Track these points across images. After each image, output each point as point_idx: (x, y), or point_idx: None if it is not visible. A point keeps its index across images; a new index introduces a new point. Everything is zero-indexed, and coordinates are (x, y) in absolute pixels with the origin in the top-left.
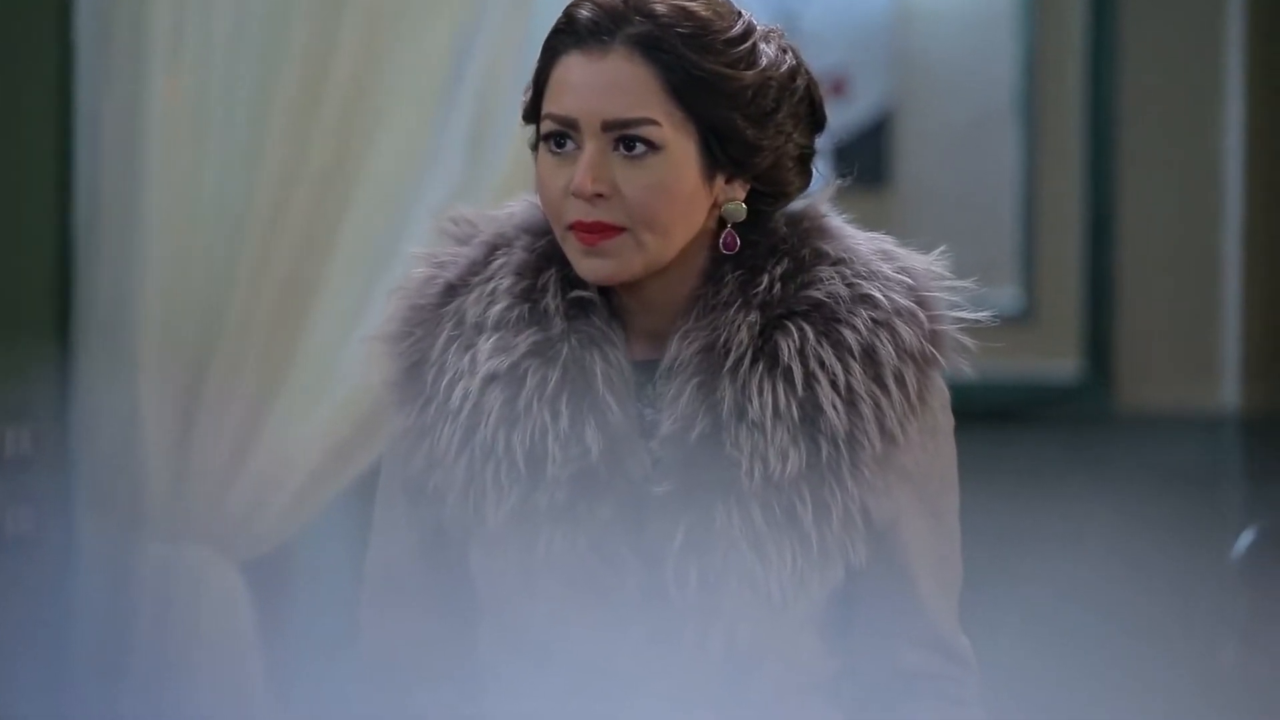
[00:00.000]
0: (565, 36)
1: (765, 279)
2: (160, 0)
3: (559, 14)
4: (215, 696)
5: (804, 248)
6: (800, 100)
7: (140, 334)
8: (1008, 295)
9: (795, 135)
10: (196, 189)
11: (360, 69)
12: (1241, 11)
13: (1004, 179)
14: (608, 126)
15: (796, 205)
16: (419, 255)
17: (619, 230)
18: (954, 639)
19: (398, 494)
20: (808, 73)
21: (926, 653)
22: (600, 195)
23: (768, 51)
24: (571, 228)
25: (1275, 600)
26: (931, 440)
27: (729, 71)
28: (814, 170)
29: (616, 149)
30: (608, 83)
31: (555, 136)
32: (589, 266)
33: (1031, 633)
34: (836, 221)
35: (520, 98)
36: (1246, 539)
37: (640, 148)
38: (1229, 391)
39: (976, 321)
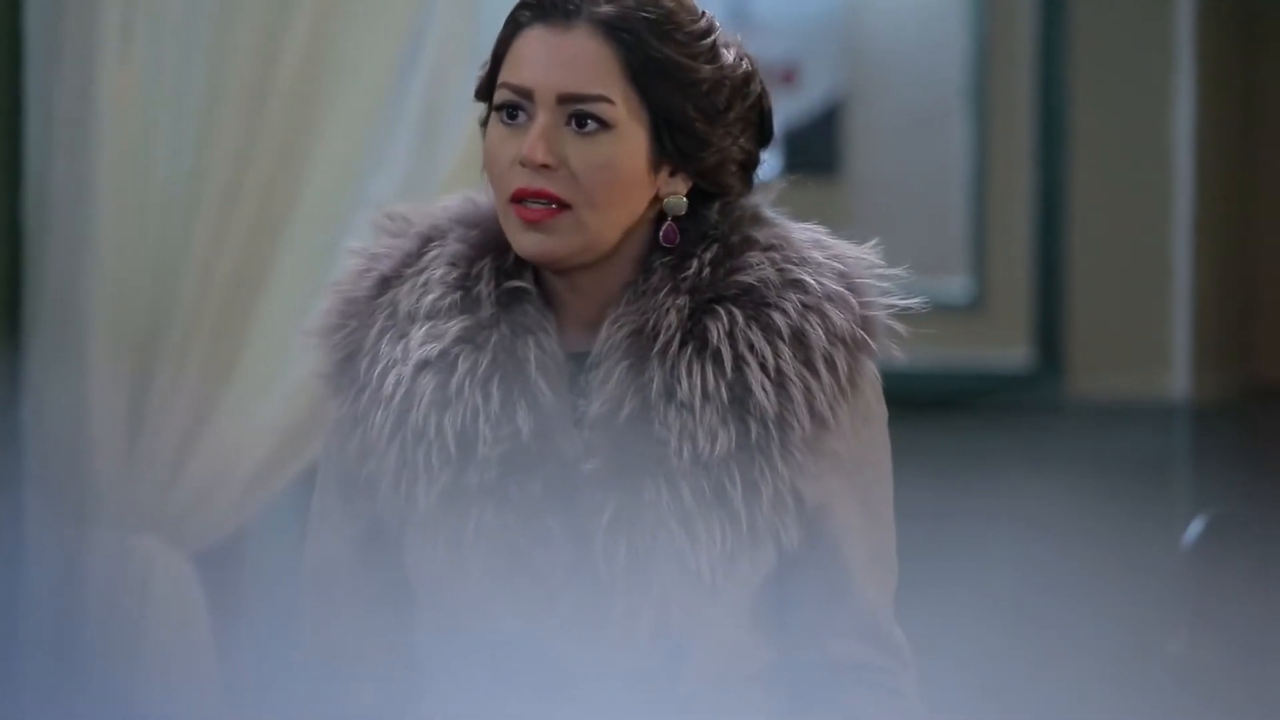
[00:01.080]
0: (530, 10)
1: (695, 263)
2: None
3: (512, 4)
4: (165, 684)
5: (735, 234)
6: (751, 107)
7: (90, 324)
8: (958, 284)
9: (742, 140)
10: (146, 179)
11: (310, 61)
12: (1190, 3)
13: (954, 169)
14: (563, 100)
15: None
16: (354, 250)
17: (561, 207)
18: (888, 630)
19: (333, 487)
20: (762, 84)
21: (859, 643)
22: (547, 167)
23: (726, 53)
24: (514, 198)
25: (1224, 588)
26: (864, 426)
27: (688, 62)
28: (754, 180)
29: (569, 124)
30: (568, 57)
31: (508, 107)
32: (527, 241)
33: (983, 620)
34: (770, 211)
35: (470, 90)
36: (1196, 527)
37: (592, 124)
38: (1178, 380)
39: (908, 308)
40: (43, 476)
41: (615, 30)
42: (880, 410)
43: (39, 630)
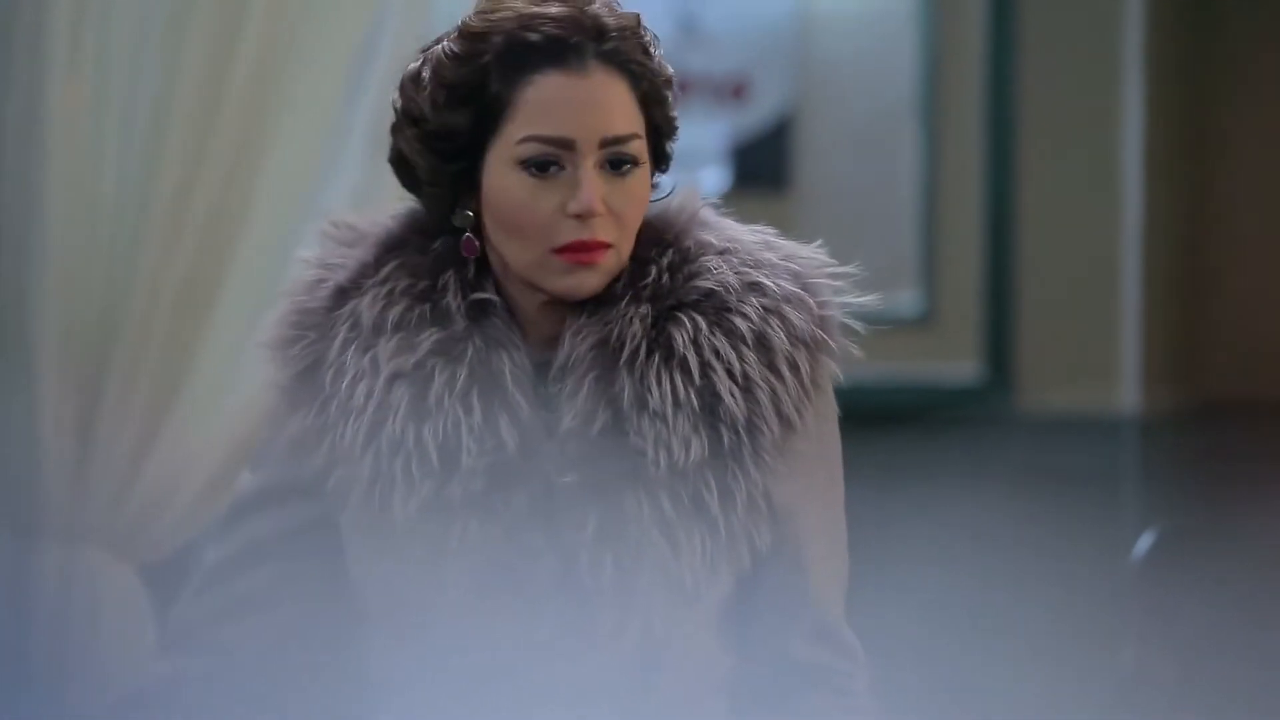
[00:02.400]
0: (534, 55)
1: (653, 270)
2: (59, 3)
3: (460, 15)
4: (113, 698)
5: (687, 239)
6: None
7: (40, 336)
8: (908, 298)
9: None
10: (96, 191)
11: (260, 72)
12: (1140, 16)
13: (904, 183)
14: (605, 144)
15: (672, 198)
16: (306, 259)
17: (609, 246)
18: (841, 631)
19: (271, 491)
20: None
21: (817, 645)
22: (596, 214)
23: None
24: (565, 250)
25: (1174, 601)
26: (826, 425)
27: (667, 74)
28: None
29: (603, 167)
30: (600, 101)
31: (538, 161)
32: (575, 282)
33: (933, 632)
34: (713, 213)
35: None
36: (1146, 541)
37: (628, 165)
38: (1128, 394)
39: (863, 306)
40: None
41: (624, 63)
42: (834, 409)
43: None
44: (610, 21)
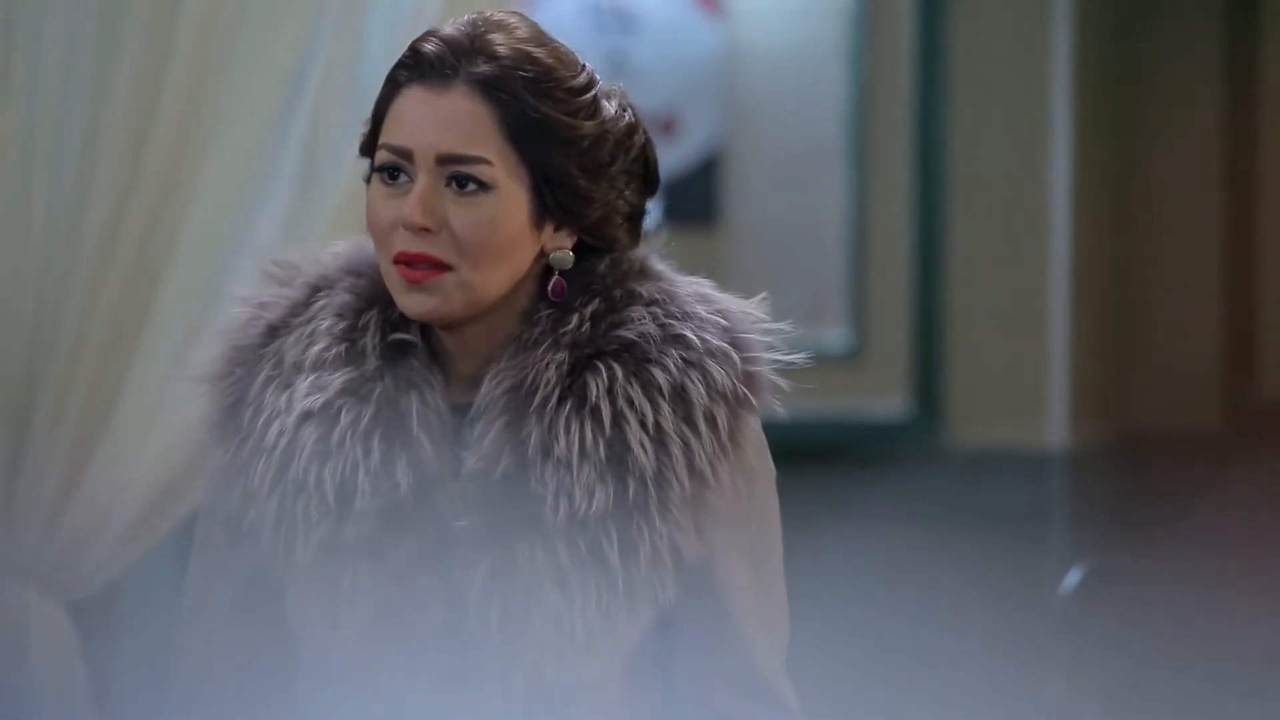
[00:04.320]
0: (409, 70)
1: (575, 318)
2: None
3: (395, 49)
4: None
5: (618, 288)
6: (635, 159)
7: None
8: (836, 334)
9: (627, 192)
10: (23, 223)
11: (190, 101)
12: (1067, 54)
13: (833, 218)
14: (441, 160)
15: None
16: (242, 297)
17: (443, 269)
18: (775, 685)
19: (216, 534)
20: (645, 133)
21: (745, 699)
22: (427, 230)
23: (608, 106)
24: (396, 260)
25: (1101, 636)
26: (746, 483)
27: (567, 119)
28: (642, 231)
29: (449, 185)
30: (445, 117)
31: (389, 168)
32: (410, 301)
33: (861, 669)
34: (658, 264)
35: (351, 130)
36: (1073, 575)
37: (471, 186)
38: (1056, 430)
39: (792, 364)
40: None
41: (493, 90)
42: (765, 467)
43: None
44: (500, 50)
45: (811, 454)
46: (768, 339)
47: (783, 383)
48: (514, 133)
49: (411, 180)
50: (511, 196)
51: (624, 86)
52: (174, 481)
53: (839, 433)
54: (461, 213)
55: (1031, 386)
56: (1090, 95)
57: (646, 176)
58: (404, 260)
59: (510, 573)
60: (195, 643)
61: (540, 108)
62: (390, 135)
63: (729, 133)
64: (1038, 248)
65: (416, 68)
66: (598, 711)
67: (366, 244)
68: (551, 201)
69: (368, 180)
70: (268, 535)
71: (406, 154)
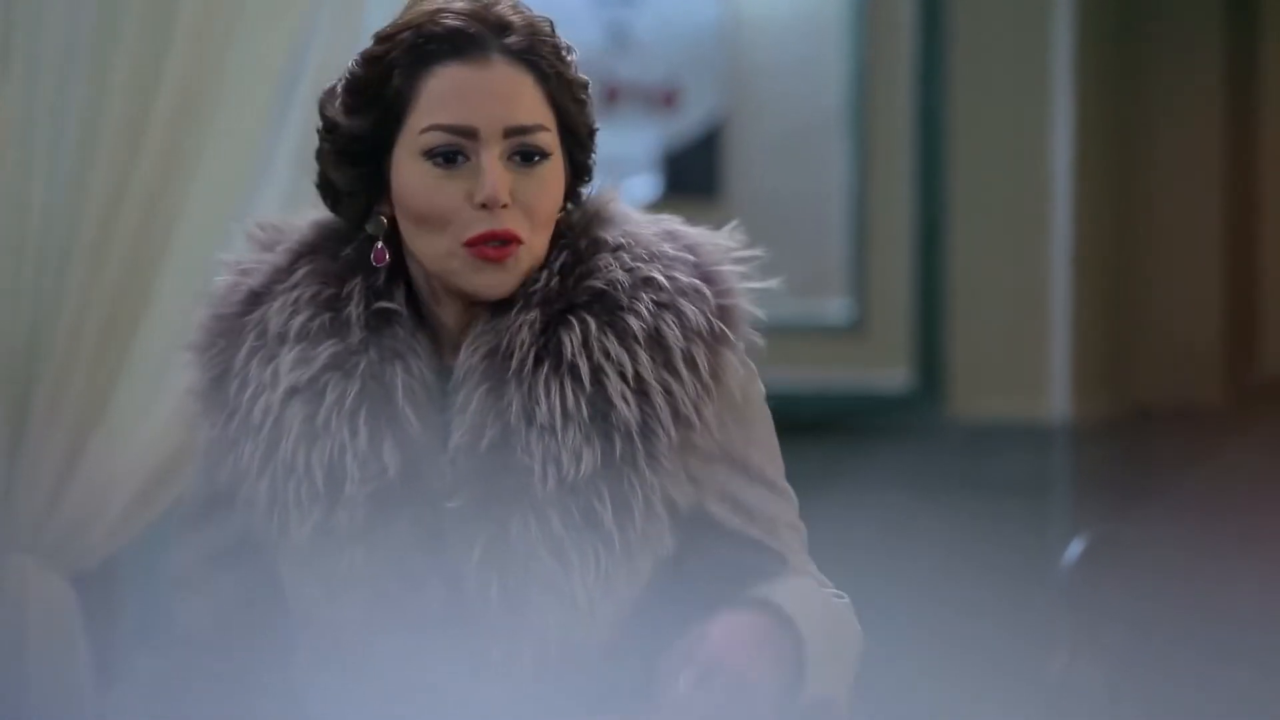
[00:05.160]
0: (435, 46)
1: (544, 274)
2: None
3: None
4: (41, 705)
5: (583, 238)
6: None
7: None
8: (837, 306)
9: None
10: (23, 206)
11: (189, 86)
12: (1069, 23)
13: (834, 190)
14: (510, 133)
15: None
16: (226, 262)
17: (519, 241)
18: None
19: (200, 502)
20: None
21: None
22: (504, 205)
23: None
24: (475, 242)
25: (1104, 608)
26: (731, 415)
27: (578, 77)
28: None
29: (511, 159)
30: (502, 90)
31: (446, 152)
32: (488, 281)
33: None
34: (621, 207)
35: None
36: (1076, 548)
37: (537, 157)
38: (1058, 402)
39: (767, 289)
40: None
41: (529, 59)
42: (753, 393)
43: None
44: (515, 18)
45: (812, 426)
46: (741, 269)
47: (759, 312)
48: (553, 97)
49: (469, 160)
50: (558, 160)
51: (624, 60)
52: (174, 458)
53: (840, 405)
54: (529, 184)
55: (1034, 359)
56: (1094, 67)
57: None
58: (492, 239)
59: (505, 548)
60: (185, 610)
61: (563, 71)
62: (442, 115)
63: (730, 105)
64: (1039, 219)
65: (449, 43)
66: (607, 667)
67: (418, 221)
68: (577, 158)
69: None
70: (261, 515)
71: (470, 132)
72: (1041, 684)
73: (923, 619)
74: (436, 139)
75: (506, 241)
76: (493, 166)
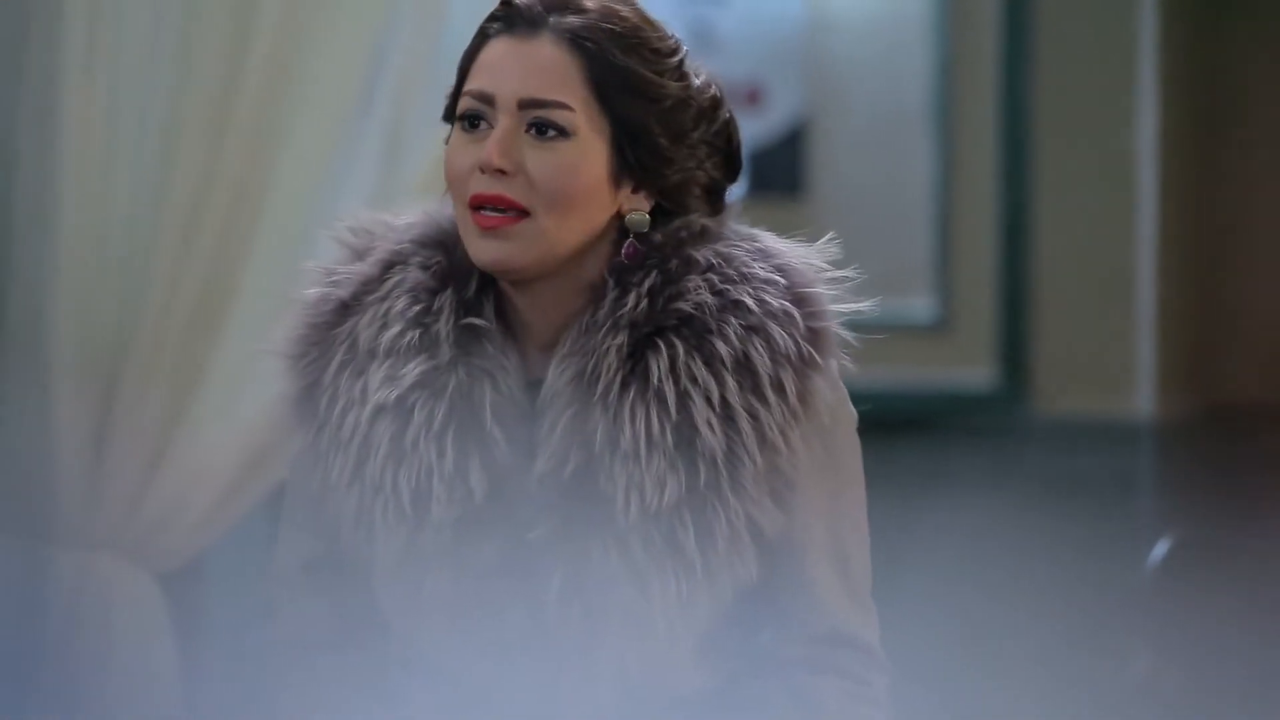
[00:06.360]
0: (497, 23)
1: (632, 296)
2: (73, 11)
3: (476, 19)
4: (129, 705)
5: (674, 258)
6: (719, 133)
7: (54, 346)
8: (922, 304)
9: (708, 164)
10: (109, 200)
11: (273, 79)
12: (1154, 19)
13: (919, 187)
14: (523, 105)
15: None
16: (315, 269)
17: (520, 215)
18: (857, 634)
19: (298, 506)
20: (731, 115)
21: (824, 646)
22: (504, 172)
23: (694, 75)
24: (472, 204)
25: (1189, 610)
26: (819, 441)
27: (651, 76)
28: (721, 207)
29: (529, 131)
30: (529, 64)
31: (469, 116)
32: (485, 248)
33: (947, 640)
34: (712, 224)
35: (435, 108)
36: (1161, 548)
37: (551, 132)
38: (1143, 400)
39: (860, 312)
40: (6, 498)
41: (579, 40)
42: (843, 415)
43: (2, 651)
44: (589, 4)
45: (897, 425)
46: (833, 291)
47: (850, 337)
48: (598, 84)
49: (491, 127)
50: (591, 146)
51: (706, 59)
52: (258, 457)
53: (925, 404)
54: (540, 158)
55: (1119, 357)
56: (1178, 63)
57: (730, 155)
58: (479, 203)
59: (586, 577)
60: (287, 610)
61: (625, 61)
62: (473, 82)
63: (814, 102)
64: (1125, 216)
65: (506, 19)
66: (683, 688)
67: (439, 215)
68: (631, 157)
69: (448, 142)
70: (348, 528)
71: (488, 98)
72: (1123, 684)
73: (1006, 617)
74: (465, 104)
75: (503, 210)
76: (497, 133)
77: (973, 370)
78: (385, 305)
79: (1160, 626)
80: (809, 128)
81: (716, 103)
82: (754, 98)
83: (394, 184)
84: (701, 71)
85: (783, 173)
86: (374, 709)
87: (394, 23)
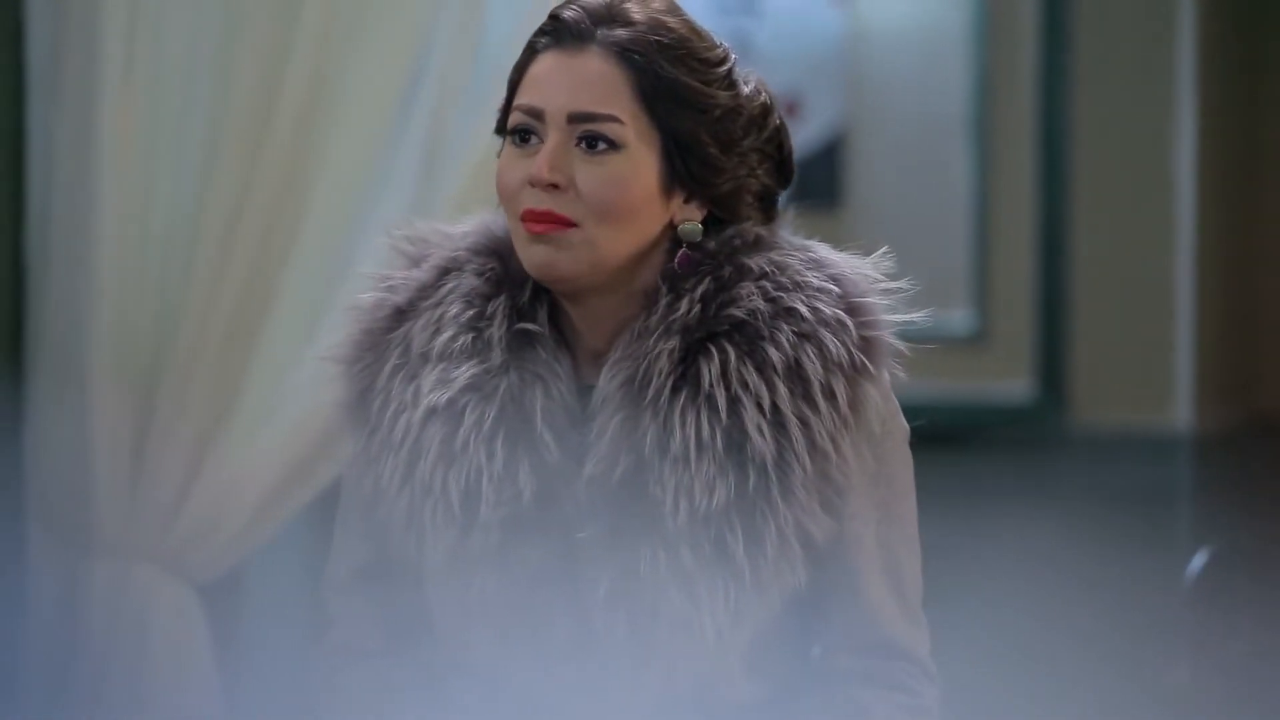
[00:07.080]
0: (546, 37)
1: (685, 302)
2: (112, 22)
3: (517, 35)
4: (168, 715)
5: (728, 265)
6: (769, 140)
7: (93, 355)
8: (960, 316)
9: (759, 171)
10: (148, 211)
11: (312, 89)
12: (1193, 32)
13: (956, 200)
14: (572, 119)
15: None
16: (371, 275)
17: (570, 224)
18: (908, 646)
19: (352, 510)
20: (782, 121)
21: (875, 659)
22: (556, 186)
23: (743, 83)
24: (523, 218)
25: (1226, 621)
26: (869, 450)
27: (700, 86)
28: (774, 214)
29: (579, 145)
30: (578, 78)
31: (520, 130)
32: (536, 254)
33: (985, 652)
34: (766, 233)
35: (473, 116)
36: (1200, 559)
37: (601, 145)
38: (1182, 411)
39: (912, 323)
40: (45, 509)
41: (627, 53)
42: (895, 427)
43: (41, 662)
44: (636, 15)
45: (935, 437)
46: (886, 301)
47: (903, 346)
48: (646, 96)
49: (542, 141)
50: (641, 159)
51: (748, 71)
52: (298, 466)
53: (963, 415)
54: (590, 171)
55: (1157, 369)
56: (1216, 74)
57: (781, 161)
58: (529, 219)
59: (634, 581)
60: (340, 616)
61: (674, 72)
62: (523, 97)
63: (852, 114)
64: (1163, 228)
65: (554, 34)
66: (733, 698)
67: (494, 223)
68: (682, 168)
69: (499, 156)
70: (399, 532)
71: (537, 113)
72: (1162, 695)
73: (1044, 627)
74: (515, 119)
75: (550, 220)
76: (548, 148)
77: (1010, 382)
78: (440, 310)
79: (1198, 637)
80: (847, 139)
81: (766, 110)
82: (792, 109)
83: (431, 196)
84: (751, 79)
85: (820, 184)
86: (426, 714)
87: (432, 36)
